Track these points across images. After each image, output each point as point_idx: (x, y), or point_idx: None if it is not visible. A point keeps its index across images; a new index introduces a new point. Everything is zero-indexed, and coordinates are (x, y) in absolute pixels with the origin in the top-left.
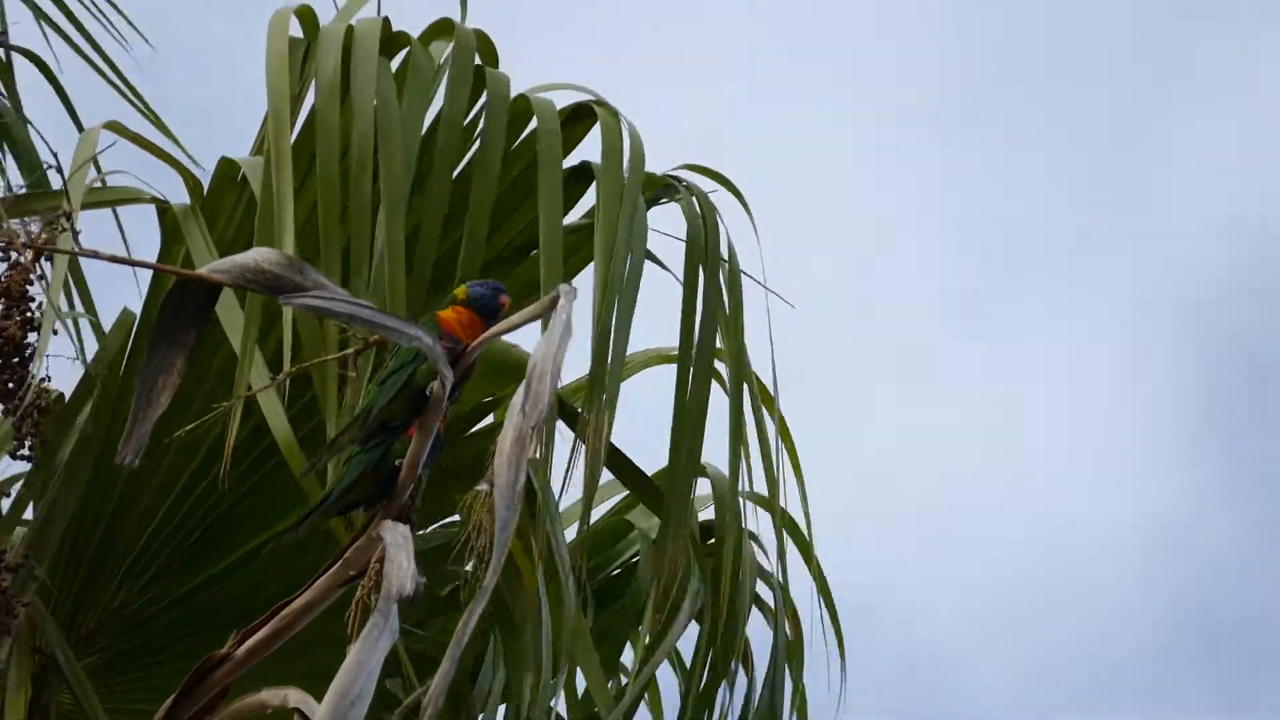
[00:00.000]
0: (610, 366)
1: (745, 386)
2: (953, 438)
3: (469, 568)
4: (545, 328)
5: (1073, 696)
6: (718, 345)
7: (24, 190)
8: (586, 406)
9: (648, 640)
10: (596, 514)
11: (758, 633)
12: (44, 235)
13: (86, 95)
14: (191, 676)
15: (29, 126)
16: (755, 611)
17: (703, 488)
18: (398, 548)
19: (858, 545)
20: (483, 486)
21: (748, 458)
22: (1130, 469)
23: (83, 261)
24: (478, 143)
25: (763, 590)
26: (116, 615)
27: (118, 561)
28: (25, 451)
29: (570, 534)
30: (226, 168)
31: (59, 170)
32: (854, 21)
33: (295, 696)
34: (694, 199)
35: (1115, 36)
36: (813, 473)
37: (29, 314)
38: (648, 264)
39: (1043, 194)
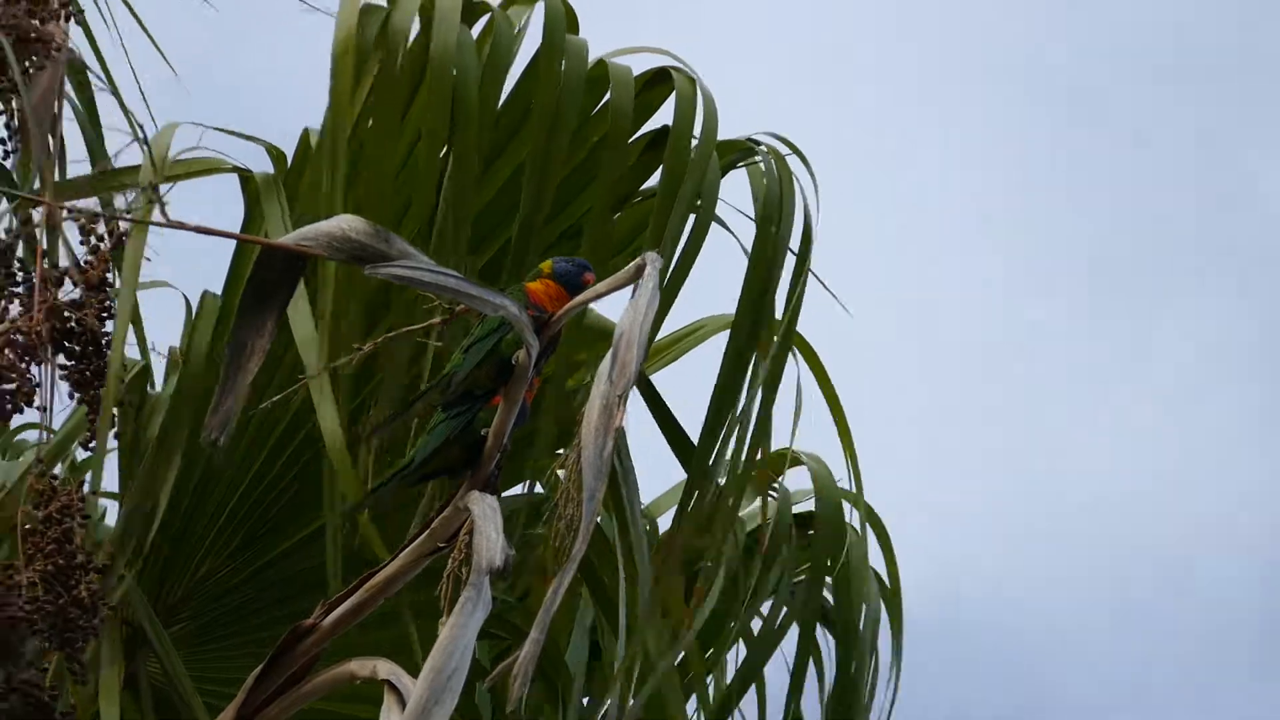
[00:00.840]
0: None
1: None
2: (1053, 432)
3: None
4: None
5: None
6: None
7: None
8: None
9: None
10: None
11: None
12: (128, 211)
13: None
14: (278, 647)
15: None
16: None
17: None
18: (485, 519)
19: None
20: (567, 453)
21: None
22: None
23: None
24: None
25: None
26: (202, 584)
27: (203, 531)
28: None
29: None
30: (308, 139)
31: (143, 143)
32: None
33: (385, 668)
34: (771, 162)
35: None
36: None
37: (107, 303)
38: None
39: (1158, 188)
